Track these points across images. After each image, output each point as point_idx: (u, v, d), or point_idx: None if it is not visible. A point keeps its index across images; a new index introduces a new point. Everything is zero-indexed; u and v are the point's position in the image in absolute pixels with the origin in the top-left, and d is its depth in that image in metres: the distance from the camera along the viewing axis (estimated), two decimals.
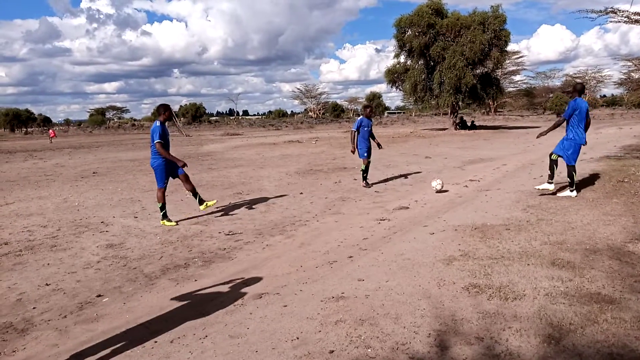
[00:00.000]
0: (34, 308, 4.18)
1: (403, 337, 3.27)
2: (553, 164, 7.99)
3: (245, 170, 13.78)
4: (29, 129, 69.73)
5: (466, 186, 9.73)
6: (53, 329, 3.76)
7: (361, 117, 10.34)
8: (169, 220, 7.16)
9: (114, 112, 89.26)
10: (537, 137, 8.27)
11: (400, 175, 11.65)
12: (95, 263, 5.39)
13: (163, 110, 7.23)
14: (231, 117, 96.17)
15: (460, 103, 34.69)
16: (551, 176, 7.99)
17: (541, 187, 8.17)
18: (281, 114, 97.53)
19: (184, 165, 7.14)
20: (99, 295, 4.42)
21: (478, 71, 33.34)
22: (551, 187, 8.02)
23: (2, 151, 25.56)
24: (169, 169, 7.21)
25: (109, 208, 8.50)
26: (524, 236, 5.66)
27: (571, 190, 7.87)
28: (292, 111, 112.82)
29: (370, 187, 10.02)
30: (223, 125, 69.07)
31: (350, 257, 5.25)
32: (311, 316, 3.70)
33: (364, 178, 10.23)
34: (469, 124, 35.88)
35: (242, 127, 60.85)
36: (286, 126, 57.07)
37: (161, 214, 7.22)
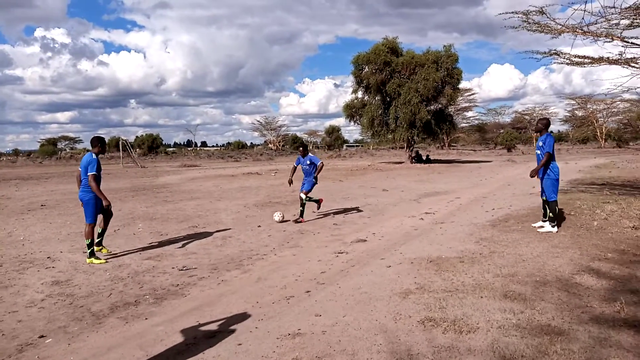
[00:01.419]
0: None
1: None
2: (545, 204, 8.02)
3: (202, 202, 13.54)
4: None
5: (422, 219, 9.91)
6: None
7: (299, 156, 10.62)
8: (97, 258, 6.79)
9: (67, 142, 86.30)
10: (531, 175, 8.05)
11: (359, 208, 11.74)
12: (40, 301, 5.10)
13: (98, 143, 6.94)
14: (189, 148, 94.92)
15: (415, 137, 35.61)
16: (545, 214, 8.11)
17: (539, 226, 8.16)
18: (240, 146, 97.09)
19: (109, 205, 6.82)
20: (42, 336, 4.17)
21: (432, 107, 34.50)
22: (554, 230, 7.84)
23: None
24: (100, 203, 6.83)
25: (57, 242, 8.12)
26: (477, 269, 5.78)
27: (552, 226, 7.83)
28: (251, 143, 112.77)
29: (297, 223, 9.83)
30: (180, 156, 68.01)
31: (308, 291, 5.20)
32: (266, 355, 3.62)
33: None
34: (424, 157, 36.83)
35: (200, 158, 60.09)
36: (245, 158, 56.81)
37: (88, 251, 6.78)
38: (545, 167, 7.89)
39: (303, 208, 10.06)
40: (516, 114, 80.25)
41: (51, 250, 7.53)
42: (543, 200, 8.14)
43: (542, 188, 8.09)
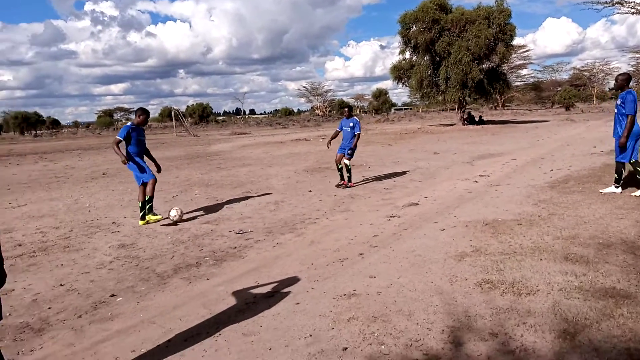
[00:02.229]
0: (49, 308, 4.21)
1: (416, 334, 3.27)
2: (620, 167, 7.39)
3: (254, 169, 13.80)
4: (38, 132, 70.30)
5: (476, 181, 9.69)
6: (69, 328, 3.79)
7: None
8: (154, 215, 7.32)
9: (122, 113, 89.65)
10: (620, 146, 7.17)
11: (410, 172, 11.61)
12: (108, 263, 5.43)
13: (137, 113, 7.49)
14: (238, 117, 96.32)
15: (467, 98, 34.46)
16: (618, 180, 7.45)
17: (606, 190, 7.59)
18: (287, 112, 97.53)
19: (124, 162, 7.15)
20: (113, 295, 4.45)
21: (484, 66, 33.12)
22: (618, 190, 7.43)
23: (13, 154, 25.80)
24: (140, 166, 7.33)
25: (120, 209, 8.55)
26: (535, 231, 5.63)
27: (616, 187, 7.42)
28: (298, 109, 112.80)
29: (346, 187, 9.77)
30: (230, 124, 69.25)
31: (361, 254, 5.25)
32: (323, 314, 3.71)
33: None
34: (476, 119, 35.70)
35: (249, 126, 60.95)
36: (293, 124, 57.09)
37: (141, 213, 7.29)
38: (627, 129, 7.07)
39: (350, 173, 10.00)
40: (574, 70, 75.97)
41: (115, 215, 7.95)
42: (631, 162, 7.32)
43: (615, 147, 7.41)
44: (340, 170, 10.06)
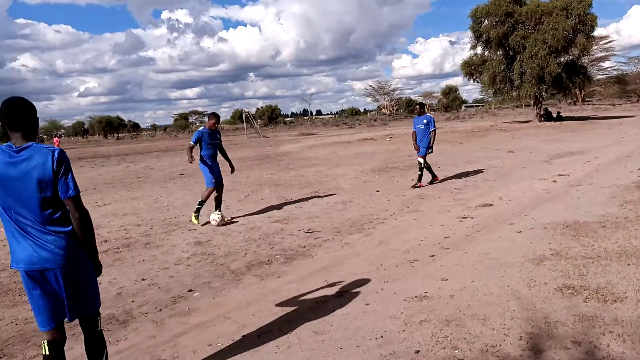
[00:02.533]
0: (132, 301, 4.49)
1: (492, 339, 3.15)
2: None
3: (321, 169, 13.93)
4: (120, 135, 75.15)
5: (555, 181, 9.19)
6: (150, 321, 4.02)
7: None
8: (196, 218, 7.57)
9: (196, 116, 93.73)
10: None
11: (482, 171, 11.22)
12: (186, 259, 5.70)
13: (209, 118, 7.78)
14: (305, 117, 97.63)
15: (543, 93, 32.67)
16: None
17: None
18: (354, 112, 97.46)
19: (189, 161, 7.41)
20: (190, 290, 4.67)
21: (562, 59, 31.27)
22: None
23: (98, 156, 27.74)
24: (211, 170, 7.60)
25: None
26: (621, 234, 5.25)
27: None
28: (364, 109, 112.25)
29: (415, 187, 9.59)
30: (298, 125, 70.33)
31: (432, 255, 5.14)
32: (394, 315, 3.67)
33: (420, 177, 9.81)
34: (554, 115, 33.80)
35: (316, 126, 61.58)
36: (359, 124, 56.99)
37: (196, 208, 7.61)
38: None
39: (422, 172, 9.80)
40: None
41: (191, 214, 8.31)
42: None
43: None
44: (429, 170, 9.95)
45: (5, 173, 2.37)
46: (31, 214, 2.41)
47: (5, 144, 2.45)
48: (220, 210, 7.54)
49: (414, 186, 9.65)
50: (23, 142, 2.43)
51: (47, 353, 2.57)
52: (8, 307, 4.49)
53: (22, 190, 2.38)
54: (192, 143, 7.54)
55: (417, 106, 10.32)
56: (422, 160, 9.75)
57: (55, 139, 41.45)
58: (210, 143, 7.63)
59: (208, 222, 7.43)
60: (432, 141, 9.72)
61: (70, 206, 2.46)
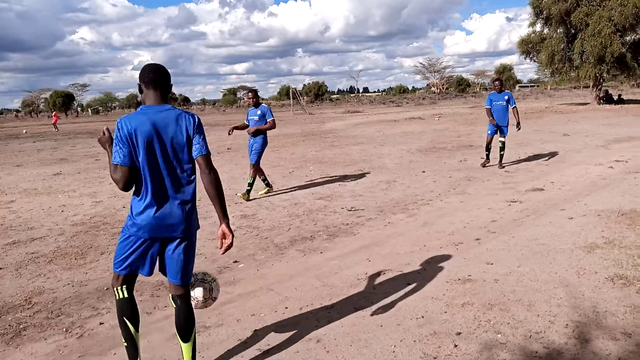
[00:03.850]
0: None
1: (537, 326, 3.09)
2: None
3: (366, 147, 13.84)
4: None
5: (611, 167, 8.75)
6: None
7: (492, 92, 9.68)
8: (246, 194, 7.52)
9: (244, 91, 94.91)
10: None
11: (535, 155, 10.82)
12: None
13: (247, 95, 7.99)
14: (352, 95, 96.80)
15: (605, 74, 30.90)
16: None
17: None
18: (402, 90, 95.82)
19: (229, 132, 7.72)
20: (236, 262, 4.81)
21: (628, 38, 29.35)
22: None
23: None
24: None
25: (242, 181, 9.12)
26: None
27: None
28: (413, 87, 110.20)
29: (502, 168, 9.30)
30: (344, 102, 69.91)
31: (478, 239, 5.05)
32: (436, 296, 3.65)
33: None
34: (615, 97, 31.99)
35: (362, 104, 61.00)
36: (407, 102, 56.01)
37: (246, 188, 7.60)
38: None
39: (503, 152, 9.48)
40: None
41: (238, 188, 8.50)
42: None
43: None
44: (488, 150, 9.63)
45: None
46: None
47: (142, 107, 2.61)
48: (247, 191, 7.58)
49: (502, 166, 9.36)
50: (160, 103, 2.60)
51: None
52: (65, 270, 4.77)
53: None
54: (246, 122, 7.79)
55: (497, 82, 9.75)
56: (504, 140, 9.44)
57: (54, 113, 40.73)
58: (250, 119, 7.70)
59: (254, 198, 7.59)
60: (518, 117, 9.43)
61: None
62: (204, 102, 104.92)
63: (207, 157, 2.59)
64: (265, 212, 6.75)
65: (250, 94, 7.87)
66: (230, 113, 51.79)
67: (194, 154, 2.57)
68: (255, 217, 6.50)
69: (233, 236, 2.71)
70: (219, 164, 11.52)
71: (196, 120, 2.60)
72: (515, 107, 9.33)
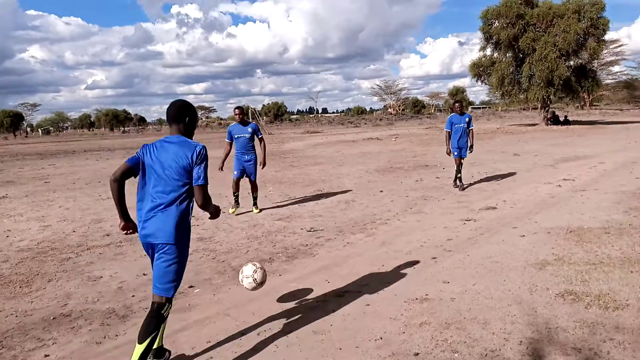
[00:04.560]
0: (132, 296, 4.50)
1: (492, 344, 3.14)
2: None
3: (325, 167, 13.92)
4: (126, 128, 75.36)
5: (559, 186, 9.14)
6: None
7: (452, 114, 9.70)
8: (257, 207, 8.10)
9: (202, 111, 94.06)
10: None
11: (487, 174, 11.17)
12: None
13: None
14: (311, 115, 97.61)
15: (551, 97, 32.51)
16: None
17: None
18: (360, 111, 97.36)
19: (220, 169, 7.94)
20: (191, 286, 4.67)
21: (572, 62, 31.10)
22: None
23: (103, 149, 27.85)
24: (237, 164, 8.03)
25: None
26: (625, 241, 5.22)
27: None
28: (370, 108, 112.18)
29: (462, 190, 9.29)
30: (303, 123, 70.30)
31: (434, 258, 5.13)
32: (394, 317, 3.66)
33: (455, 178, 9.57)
34: (561, 119, 33.63)
35: (321, 124, 61.54)
36: (365, 123, 56.89)
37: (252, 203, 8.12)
38: None
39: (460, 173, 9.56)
40: None
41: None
42: None
43: None
44: (459, 171, 9.50)
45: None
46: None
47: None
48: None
49: (463, 188, 9.33)
50: (175, 134, 3.10)
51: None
52: (8, 299, 4.51)
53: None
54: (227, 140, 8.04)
55: (458, 104, 9.77)
56: (462, 162, 9.52)
57: None
58: (235, 137, 7.91)
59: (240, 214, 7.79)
60: (472, 140, 9.48)
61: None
62: (160, 122, 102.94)
63: (202, 187, 3.03)
64: (223, 234, 6.63)
65: (237, 110, 7.81)
66: None
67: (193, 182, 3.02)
68: (213, 239, 6.37)
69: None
70: None
71: (201, 149, 3.01)
72: (472, 129, 9.51)
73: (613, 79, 67.24)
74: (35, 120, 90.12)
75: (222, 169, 7.94)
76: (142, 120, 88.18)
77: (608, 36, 32.51)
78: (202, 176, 2.98)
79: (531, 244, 5.34)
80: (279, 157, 18.08)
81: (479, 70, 33.80)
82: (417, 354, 3.08)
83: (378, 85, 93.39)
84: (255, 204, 8.09)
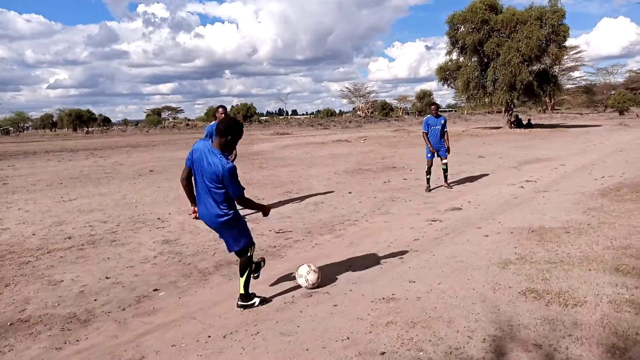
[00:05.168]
0: (95, 300, 4.38)
1: (457, 342, 3.19)
2: None
3: (295, 169, 13.90)
4: (89, 129, 73.36)
5: (522, 187, 9.40)
6: (113, 320, 3.92)
7: (428, 116, 9.82)
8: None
9: (169, 112, 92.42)
10: None
11: (453, 176, 11.37)
12: (152, 258, 5.59)
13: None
14: (280, 117, 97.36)
15: (515, 101, 33.41)
16: None
17: None
18: (329, 114, 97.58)
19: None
20: (156, 290, 4.58)
21: (534, 68, 32.05)
22: None
23: (66, 150, 27.01)
24: None
25: (165, 205, 8.80)
26: (584, 240, 5.40)
27: None
28: (340, 110, 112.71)
29: (449, 187, 9.68)
30: (273, 124, 70.00)
31: (401, 258, 5.19)
32: (361, 317, 3.68)
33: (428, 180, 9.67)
34: (524, 122, 34.59)
35: (291, 126, 61.41)
36: (334, 125, 57.09)
37: None
38: None
39: (447, 173, 9.85)
40: (630, 73, 71.77)
41: (161, 212, 8.18)
42: None
43: None
44: (429, 174, 9.60)
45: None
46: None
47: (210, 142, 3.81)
48: None
49: (449, 185, 9.71)
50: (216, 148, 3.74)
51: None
52: None
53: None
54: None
55: (434, 106, 9.89)
56: (446, 161, 9.70)
57: None
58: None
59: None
60: (448, 142, 9.70)
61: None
62: (125, 122, 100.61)
63: (239, 198, 3.78)
64: (189, 236, 6.53)
65: (220, 109, 7.60)
66: (154, 134, 50.06)
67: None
68: (178, 242, 6.26)
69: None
70: (140, 187, 11.06)
71: (226, 171, 3.63)
72: (447, 131, 9.69)
73: (573, 84, 69.73)
74: None
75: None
76: (106, 121, 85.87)
77: (568, 42, 33.67)
78: (236, 189, 3.74)
79: (495, 244, 5.47)
80: (248, 158, 17.95)
81: (445, 74, 34.41)
82: (384, 353, 3.10)
83: (347, 87, 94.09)
84: None
